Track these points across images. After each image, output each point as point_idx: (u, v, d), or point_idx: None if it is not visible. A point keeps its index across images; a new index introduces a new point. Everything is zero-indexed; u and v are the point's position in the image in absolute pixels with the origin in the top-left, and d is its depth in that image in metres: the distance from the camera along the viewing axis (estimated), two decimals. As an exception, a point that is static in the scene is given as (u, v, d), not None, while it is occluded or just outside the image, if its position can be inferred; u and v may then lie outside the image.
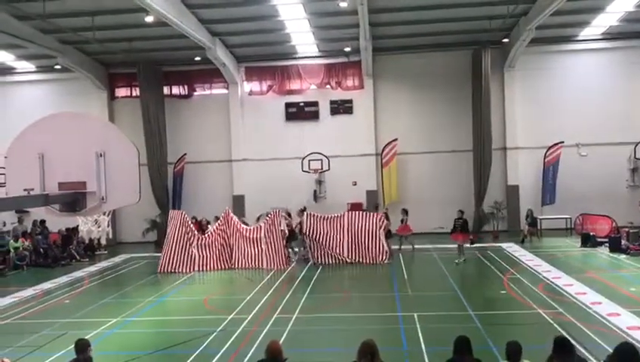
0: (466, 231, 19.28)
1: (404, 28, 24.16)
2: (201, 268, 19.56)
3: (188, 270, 19.44)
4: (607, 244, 20.31)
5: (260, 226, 19.99)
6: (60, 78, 27.50)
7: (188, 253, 19.62)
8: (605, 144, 25.41)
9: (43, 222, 23.52)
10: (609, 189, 25.15)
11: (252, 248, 19.63)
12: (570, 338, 7.40)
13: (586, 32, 25.31)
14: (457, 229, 19.13)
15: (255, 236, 19.66)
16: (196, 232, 20.03)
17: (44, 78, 28.03)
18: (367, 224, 19.70)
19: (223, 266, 19.67)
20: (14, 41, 22.25)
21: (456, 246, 19.54)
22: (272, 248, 19.56)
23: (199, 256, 19.65)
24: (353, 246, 19.58)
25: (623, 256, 18.85)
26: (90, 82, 27.10)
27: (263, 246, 19.57)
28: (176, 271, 19.36)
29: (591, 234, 21.56)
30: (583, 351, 9.36)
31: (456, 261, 18.69)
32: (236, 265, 19.60)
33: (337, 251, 19.59)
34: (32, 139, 6.73)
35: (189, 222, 20.12)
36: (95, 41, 22.47)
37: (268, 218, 20.08)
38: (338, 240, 19.65)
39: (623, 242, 19.76)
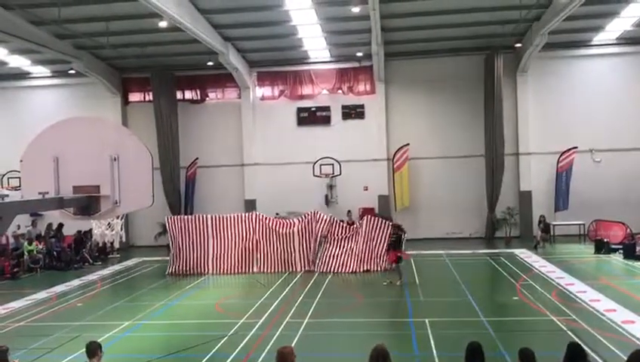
0: (399, 248, 17.29)
1: (416, 33, 24.13)
2: (216, 271, 19.72)
3: (203, 271, 19.68)
4: (621, 251, 20.15)
5: (294, 222, 20.06)
6: (74, 82, 27.80)
7: (203, 255, 19.87)
8: (619, 150, 25.23)
9: (60, 226, 23.71)
10: (623, 195, 24.92)
11: (284, 247, 19.73)
12: (583, 346, 7.34)
13: (599, 37, 25.13)
14: (390, 247, 17.46)
15: (288, 231, 19.74)
16: (212, 233, 20.09)
17: (58, 82, 28.35)
18: (381, 230, 19.47)
19: (241, 270, 19.73)
20: (30, 46, 22.53)
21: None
22: (306, 248, 19.67)
23: (214, 257, 19.87)
24: (366, 254, 19.37)
25: (637, 263, 18.66)
26: (104, 87, 27.35)
27: (295, 245, 19.65)
28: (189, 272, 19.55)
29: (605, 240, 21.36)
30: (596, 358, 9.28)
31: (394, 281, 16.73)
32: (261, 267, 19.68)
33: (349, 258, 19.44)
34: (46, 143, 6.78)
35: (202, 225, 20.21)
36: (109, 46, 22.68)
37: (304, 216, 20.20)
38: (351, 247, 19.52)
39: (638, 249, 19.56)
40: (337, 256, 19.54)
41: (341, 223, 20.45)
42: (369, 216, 20.51)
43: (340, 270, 19.27)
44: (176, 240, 20.10)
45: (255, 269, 19.79)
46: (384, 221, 20.03)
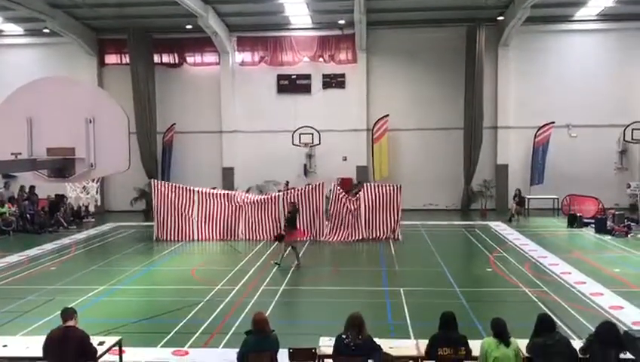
0: (293, 227, 15.81)
1: (400, 2, 23.89)
2: (200, 238, 19.62)
3: (186, 238, 19.54)
4: (593, 225, 20.53)
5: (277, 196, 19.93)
6: (48, 42, 27.03)
7: (185, 222, 19.70)
8: (596, 126, 25.53)
9: (32, 188, 23.35)
10: (597, 171, 25.33)
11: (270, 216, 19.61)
12: (553, 317, 7.51)
13: (581, 13, 25.16)
14: (285, 225, 16.21)
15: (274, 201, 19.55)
16: (196, 201, 19.86)
17: (32, 41, 27.52)
18: (386, 197, 19.39)
19: (226, 238, 19.67)
20: (2, 3, 21.77)
21: None
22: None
23: (198, 225, 19.72)
24: (371, 221, 19.31)
25: (608, 238, 19.05)
26: (79, 47, 26.69)
27: (282, 215, 19.25)
28: (173, 239, 19.47)
29: (577, 215, 21.74)
30: (565, 329, 9.51)
31: (274, 261, 15.40)
32: (246, 236, 19.64)
33: (353, 226, 19.33)
34: (20, 102, 6.58)
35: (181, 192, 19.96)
36: (85, 5, 22.05)
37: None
38: (355, 214, 19.35)
39: (609, 223, 19.94)
40: (340, 225, 19.38)
41: (344, 194, 20.01)
42: (372, 184, 20.29)
43: (343, 239, 19.16)
44: (160, 205, 19.77)
45: (239, 237, 19.68)
46: (390, 186, 19.75)
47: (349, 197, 19.80)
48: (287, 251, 15.36)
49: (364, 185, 20.50)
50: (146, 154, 26.27)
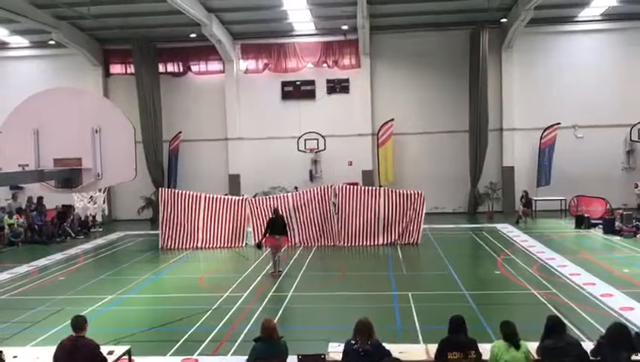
0: (277, 234, 15.21)
1: (402, 6, 23.94)
2: (207, 245, 19.60)
3: (193, 246, 19.52)
4: (601, 226, 20.41)
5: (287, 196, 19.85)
6: (54, 53, 27.20)
7: (192, 230, 19.67)
8: (602, 126, 25.43)
9: (40, 199, 23.45)
10: (604, 171, 25.22)
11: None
12: (563, 319, 7.47)
13: (585, 13, 25.13)
14: (269, 231, 15.33)
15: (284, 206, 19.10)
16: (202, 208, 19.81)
17: (38, 53, 27.71)
18: (405, 202, 19.31)
19: (232, 244, 19.63)
20: (8, 16, 21.94)
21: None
22: (305, 223, 19.37)
23: (203, 233, 19.69)
24: (387, 226, 19.14)
25: (616, 238, 18.93)
26: (84, 58, 26.84)
27: (293, 220, 19.17)
28: (179, 247, 19.46)
29: (585, 215, 21.63)
30: (575, 331, 9.46)
31: (275, 271, 15.10)
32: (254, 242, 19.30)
33: (371, 231, 19.18)
34: (27, 114, 6.65)
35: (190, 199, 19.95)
36: (90, 16, 22.19)
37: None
38: (373, 218, 19.19)
39: (617, 224, 19.82)
40: (351, 230, 19.23)
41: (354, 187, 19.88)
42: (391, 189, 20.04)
43: (358, 244, 19.11)
44: (167, 212, 19.76)
45: (247, 244, 19.62)
46: (411, 191, 19.63)
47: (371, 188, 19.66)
48: (276, 257, 15.21)
49: (383, 189, 20.39)
50: (152, 163, 26.39)
